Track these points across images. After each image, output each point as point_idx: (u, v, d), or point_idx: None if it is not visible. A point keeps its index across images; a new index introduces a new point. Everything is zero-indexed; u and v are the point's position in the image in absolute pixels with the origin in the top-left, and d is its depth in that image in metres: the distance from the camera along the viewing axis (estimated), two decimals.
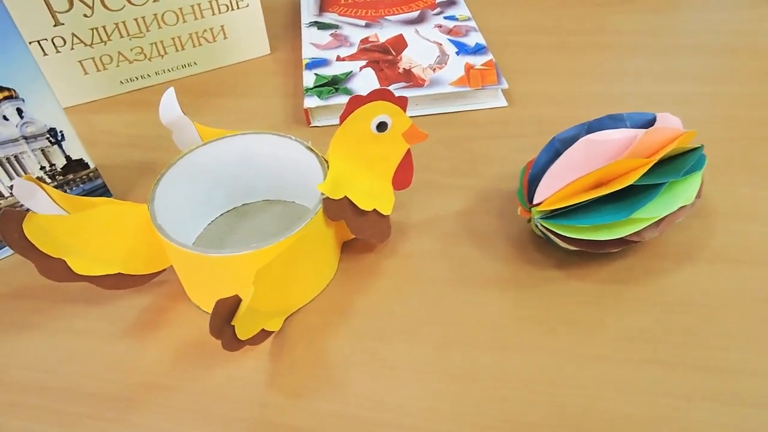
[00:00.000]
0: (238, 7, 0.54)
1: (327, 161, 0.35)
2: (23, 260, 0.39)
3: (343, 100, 0.48)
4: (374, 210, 0.35)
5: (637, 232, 0.33)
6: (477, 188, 0.42)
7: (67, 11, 0.48)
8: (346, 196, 0.33)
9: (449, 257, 0.38)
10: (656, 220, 0.33)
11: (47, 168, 0.38)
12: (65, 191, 0.40)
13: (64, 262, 0.31)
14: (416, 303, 0.35)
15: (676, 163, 0.33)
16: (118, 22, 0.50)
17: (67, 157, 0.39)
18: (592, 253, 0.37)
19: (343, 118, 0.33)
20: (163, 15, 0.51)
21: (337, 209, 0.33)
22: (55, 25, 0.48)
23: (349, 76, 0.50)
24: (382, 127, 0.34)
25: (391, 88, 0.49)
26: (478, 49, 0.53)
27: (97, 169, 0.41)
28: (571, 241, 0.34)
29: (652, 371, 0.31)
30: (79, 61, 0.51)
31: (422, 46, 0.54)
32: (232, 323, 0.28)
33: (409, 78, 0.50)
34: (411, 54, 0.53)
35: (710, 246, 0.37)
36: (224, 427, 0.30)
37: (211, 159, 0.37)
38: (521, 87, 0.52)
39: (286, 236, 0.30)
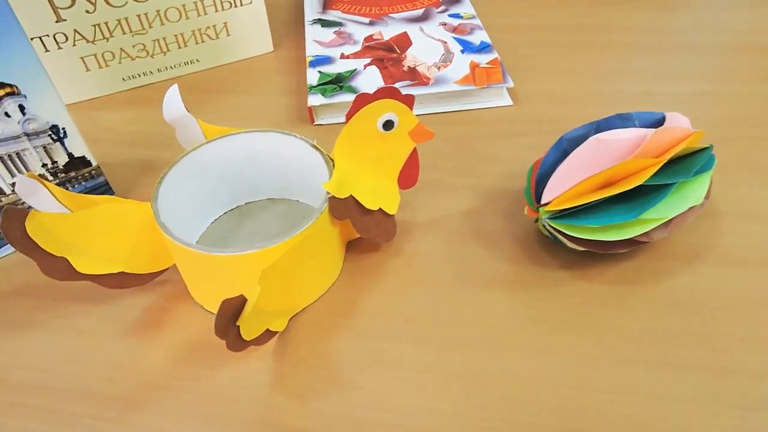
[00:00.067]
0: (241, 4, 0.54)
1: (332, 160, 0.35)
2: (24, 258, 0.39)
3: (347, 98, 0.47)
4: (380, 209, 0.35)
5: (646, 232, 0.33)
6: (482, 187, 0.42)
7: (69, 7, 0.47)
8: (351, 195, 0.33)
9: (455, 257, 0.37)
10: (665, 220, 0.32)
11: (49, 165, 0.38)
12: (67, 189, 0.39)
13: (67, 260, 0.30)
14: (421, 303, 0.35)
15: (685, 163, 0.33)
16: (120, 18, 0.50)
17: (69, 155, 0.38)
18: (599, 253, 0.36)
19: (349, 117, 0.33)
20: (165, 11, 0.51)
21: (343, 208, 0.33)
22: (57, 21, 0.47)
23: (353, 74, 0.50)
24: (388, 125, 0.33)
25: (396, 86, 0.48)
26: (483, 48, 0.52)
27: (99, 167, 0.40)
28: (579, 241, 0.33)
29: (661, 373, 0.30)
30: (81, 58, 0.50)
31: (427, 44, 0.53)
32: (237, 323, 0.28)
33: (414, 76, 0.49)
34: (415, 52, 0.52)
35: (718, 247, 0.37)
36: (228, 428, 0.29)
37: (215, 157, 0.37)
38: (526, 85, 0.52)
39: (292, 235, 0.30)
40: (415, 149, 0.36)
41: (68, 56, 0.50)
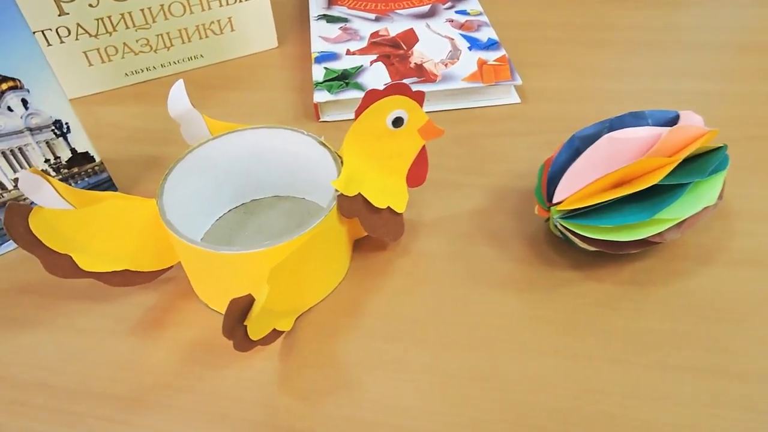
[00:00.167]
0: None
1: (340, 157, 0.34)
2: (26, 255, 0.38)
3: (353, 94, 0.47)
4: (388, 208, 0.34)
5: (659, 233, 0.32)
6: (491, 186, 0.41)
7: (72, 0, 0.46)
8: (360, 193, 0.32)
9: (463, 257, 0.37)
10: (679, 221, 0.32)
11: (52, 161, 0.37)
12: (70, 185, 0.39)
13: (71, 257, 0.30)
14: (429, 303, 0.34)
15: (699, 162, 0.32)
16: (123, 12, 0.49)
17: (73, 150, 0.38)
18: (610, 254, 0.36)
19: (358, 113, 0.32)
20: (169, 6, 0.50)
21: (351, 206, 0.32)
22: (59, 15, 0.47)
23: (359, 70, 0.49)
24: (398, 122, 0.33)
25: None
26: (491, 45, 0.52)
27: (102, 163, 0.40)
28: (591, 241, 0.33)
29: (673, 376, 0.30)
30: (84, 52, 0.50)
31: (434, 41, 0.53)
32: (245, 323, 0.27)
33: (421, 73, 0.49)
34: (422, 49, 0.52)
35: (731, 248, 0.36)
36: (232, 430, 0.29)
37: (221, 153, 0.37)
38: (533, 83, 0.51)
39: (300, 234, 0.30)
40: (424, 147, 0.35)
41: (71, 50, 0.49)
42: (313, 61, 0.51)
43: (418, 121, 0.33)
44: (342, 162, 0.34)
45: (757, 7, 0.60)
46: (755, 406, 0.29)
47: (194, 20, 0.52)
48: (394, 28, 0.55)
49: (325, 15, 0.58)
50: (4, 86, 0.33)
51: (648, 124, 0.34)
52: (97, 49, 0.50)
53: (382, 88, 0.32)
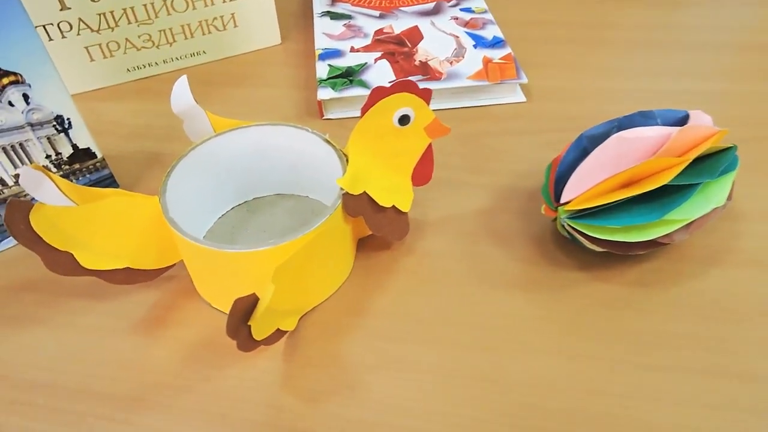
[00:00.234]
0: None
1: (346, 155, 0.34)
2: (26, 252, 0.38)
3: (358, 92, 0.46)
4: (393, 206, 0.34)
5: (667, 234, 0.32)
6: (496, 186, 0.41)
7: None
8: (365, 192, 0.32)
9: (468, 256, 0.36)
10: (688, 222, 0.31)
11: (53, 157, 0.37)
12: (71, 181, 0.38)
13: (72, 255, 0.29)
14: (434, 303, 0.34)
15: (709, 163, 0.32)
16: (126, 7, 0.48)
17: (74, 146, 0.37)
18: (617, 254, 0.35)
19: (364, 110, 0.32)
20: (172, 1, 0.50)
21: (356, 205, 0.32)
22: (61, 10, 0.46)
23: (363, 67, 0.49)
24: (404, 120, 0.32)
25: None
26: (496, 43, 0.51)
27: (104, 159, 0.39)
28: (598, 242, 0.32)
29: (680, 378, 0.30)
30: (86, 48, 0.49)
31: (438, 39, 0.52)
32: (249, 323, 0.27)
33: (426, 71, 0.48)
34: (427, 46, 0.51)
35: (739, 249, 0.36)
36: (235, 430, 0.29)
37: (224, 150, 0.36)
38: (539, 82, 0.51)
39: (305, 232, 0.29)
40: (430, 145, 0.35)
41: (72, 46, 0.49)
42: (316, 58, 0.50)
43: (424, 119, 0.33)
44: (347, 160, 0.33)
45: (759, 6, 0.60)
46: (764, 408, 0.28)
47: (197, 16, 0.52)
48: (398, 25, 0.54)
49: (328, 12, 0.57)
50: (6, 81, 0.32)
51: (657, 124, 0.33)
52: (99, 45, 0.50)
53: (388, 85, 0.32)
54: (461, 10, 0.56)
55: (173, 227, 0.30)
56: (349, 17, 0.56)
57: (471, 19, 0.55)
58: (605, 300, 0.33)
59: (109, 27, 0.49)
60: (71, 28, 0.48)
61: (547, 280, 0.35)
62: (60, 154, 0.37)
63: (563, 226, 0.34)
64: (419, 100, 0.32)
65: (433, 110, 0.48)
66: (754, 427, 0.28)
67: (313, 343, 0.32)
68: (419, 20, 0.55)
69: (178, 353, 0.32)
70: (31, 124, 0.35)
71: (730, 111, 0.46)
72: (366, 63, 0.49)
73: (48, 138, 0.36)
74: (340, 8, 0.58)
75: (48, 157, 0.37)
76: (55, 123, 0.35)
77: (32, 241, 0.28)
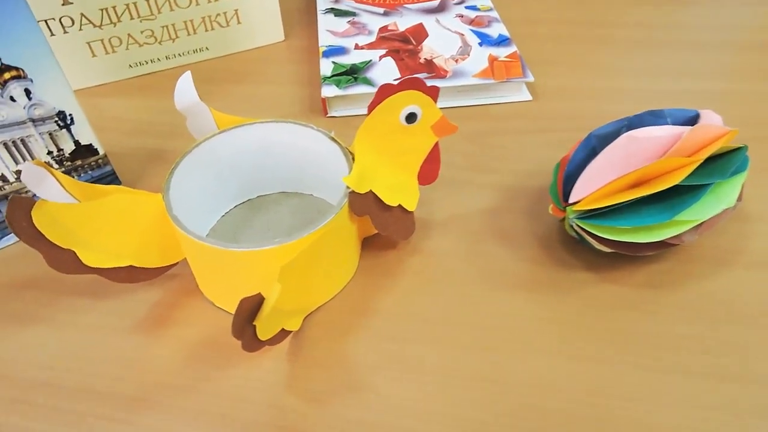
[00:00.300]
0: None
1: (351, 153, 0.33)
2: (27, 248, 0.37)
3: (362, 89, 0.46)
4: (399, 206, 0.33)
5: (677, 235, 0.31)
6: (502, 185, 0.41)
7: None
8: (371, 191, 0.32)
9: (474, 256, 0.36)
10: (698, 223, 0.31)
11: (54, 153, 0.36)
12: (73, 178, 0.38)
13: (74, 253, 0.29)
14: (439, 303, 0.33)
15: (720, 163, 0.32)
16: (128, 2, 0.48)
17: (76, 142, 0.37)
18: (625, 255, 0.35)
19: (371, 108, 0.31)
20: None
21: (362, 204, 0.31)
22: (63, 4, 0.46)
23: (368, 65, 0.48)
24: (411, 118, 0.32)
25: None
26: (502, 41, 0.51)
27: (106, 156, 0.39)
28: (607, 242, 0.32)
29: (688, 381, 0.29)
30: (88, 43, 0.49)
31: (443, 36, 0.52)
32: (254, 323, 0.26)
33: (431, 68, 0.48)
34: (432, 44, 0.51)
35: (748, 250, 0.35)
36: (238, 431, 0.28)
37: (228, 148, 0.36)
38: (544, 80, 0.50)
39: (311, 231, 0.29)
40: (436, 144, 0.34)
41: (74, 41, 0.48)
42: (320, 55, 0.50)
43: (431, 118, 0.33)
44: (353, 158, 0.33)
45: (766, 5, 0.59)
46: None
47: (200, 12, 0.51)
48: (402, 22, 0.54)
49: (332, 9, 0.57)
50: (7, 75, 0.32)
51: (667, 123, 0.33)
52: (101, 40, 0.49)
53: (395, 83, 0.31)
54: (466, 7, 0.56)
55: (177, 225, 0.29)
56: (353, 14, 0.56)
57: (476, 16, 0.55)
58: (612, 301, 0.33)
59: (111, 22, 0.48)
60: (73, 23, 0.47)
61: (554, 281, 0.34)
62: (62, 150, 0.36)
63: (572, 226, 0.33)
64: (427, 97, 0.32)
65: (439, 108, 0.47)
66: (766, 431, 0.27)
67: (318, 344, 0.32)
68: (424, 18, 0.55)
69: (181, 353, 0.32)
70: (33, 120, 0.34)
71: (734, 110, 0.46)
72: (370, 60, 0.49)
73: (50, 134, 0.35)
74: (344, 5, 0.57)
75: (49, 153, 0.36)
76: (57, 119, 0.35)
77: (34, 238, 0.28)
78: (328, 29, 0.53)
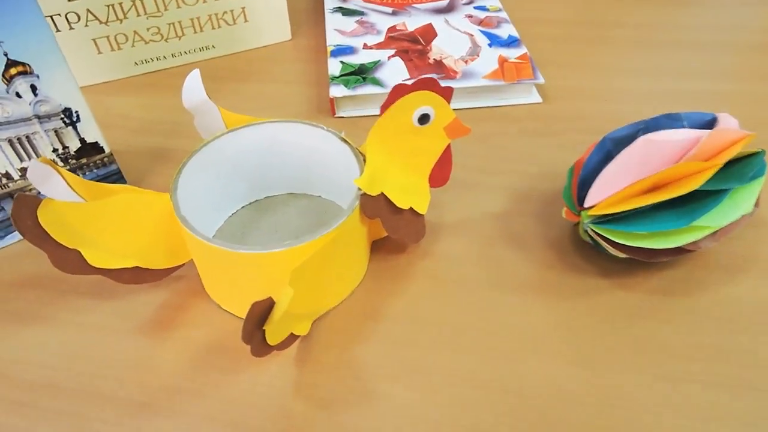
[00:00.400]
0: None
1: (363, 154, 0.33)
2: (30, 247, 0.37)
3: (371, 90, 0.45)
4: (410, 208, 0.33)
5: (694, 241, 0.31)
6: (513, 188, 0.40)
7: None
8: (382, 193, 0.31)
9: (485, 260, 0.35)
10: (716, 229, 0.30)
11: (60, 150, 0.36)
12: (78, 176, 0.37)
13: (79, 253, 0.28)
14: (451, 308, 0.33)
15: (738, 167, 0.31)
16: None
17: (82, 140, 0.36)
18: (639, 261, 0.34)
19: (384, 108, 0.31)
20: None
21: (374, 206, 0.31)
22: (69, 0, 0.45)
23: (377, 65, 0.48)
24: (424, 119, 0.31)
25: None
26: (512, 42, 0.50)
27: (112, 154, 0.38)
28: (623, 248, 0.31)
29: (705, 391, 0.29)
30: (93, 40, 0.48)
31: (453, 37, 0.51)
32: (264, 327, 0.26)
33: (441, 69, 0.47)
34: (441, 44, 0.50)
35: (764, 257, 0.35)
36: None
37: (237, 147, 0.35)
38: (554, 82, 0.50)
39: (323, 234, 0.28)
40: (449, 146, 0.34)
41: (80, 37, 0.47)
42: (328, 54, 0.49)
43: (444, 119, 0.32)
44: (364, 159, 0.32)
45: None
46: None
47: (207, 9, 0.51)
48: (411, 22, 0.53)
49: (340, 8, 0.56)
50: (14, 71, 0.31)
51: (684, 126, 0.32)
52: (107, 37, 0.49)
53: (407, 83, 0.30)
54: (475, 8, 0.55)
55: (185, 226, 0.29)
56: (361, 14, 0.55)
57: (486, 17, 0.54)
58: (626, 308, 0.32)
59: (117, 19, 0.48)
60: (79, 19, 0.46)
61: (567, 287, 0.34)
62: (67, 147, 0.36)
63: (586, 231, 0.33)
64: (440, 98, 0.31)
65: None
66: None
67: (326, 349, 0.31)
68: (433, 18, 0.54)
69: (186, 356, 0.31)
70: (39, 117, 0.33)
71: (747, 112, 0.45)
72: (379, 60, 0.48)
73: (55, 131, 0.35)
74: (352, 4, 0.57)
75: (55, 150, 0.35)
76: (62, 116, 0.34)
77: (39, 237, 0.27)
78: (336, 28, 0.53)
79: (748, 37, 0.55)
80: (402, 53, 0.49)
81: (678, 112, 0.33)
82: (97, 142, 0.37)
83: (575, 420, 0.28)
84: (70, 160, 0.36)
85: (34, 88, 0.32)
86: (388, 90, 0.45)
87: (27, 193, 0.32)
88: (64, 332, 0.32)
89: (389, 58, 0.49)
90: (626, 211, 0.31)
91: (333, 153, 0.35)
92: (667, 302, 0.33)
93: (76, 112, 0.35)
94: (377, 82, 0.46)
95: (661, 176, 0.30)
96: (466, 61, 0.48)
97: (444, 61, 0.48)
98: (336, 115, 0.46)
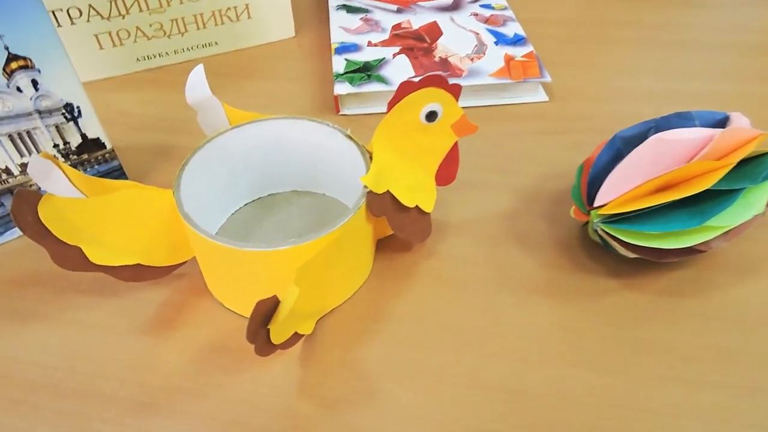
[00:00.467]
0: None
1: (369, 152, 0.32)
2: (29, 243, 0.36)
3: (375, 87, 0.45)
4: (416, 207, 0.32)
5: (705, 241, 0.30)
6: (519, 187, 0.39)
7: None
8: (388, 191, 0.30)
9: (491, 260, 0.35)
10: (728, 229, 0.30)
11: (61, 146, 0.35)
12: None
13: (80, 250, 0.28)
14: (456, 309, 0.32)
15: (750, 167, 0.30)
16: None
17: (83, 136, 0.36)
18: (649, 261, 0.34)
19: (391, 105, 0.30)
20: None
21: (380, 204, 0.30)
22: None
23: (381, 62, 0.47)
24: (431, 116, 0.31)
25: None
26: (518, 40, 0.50)
27: (113, 150, 0.38)
28: (633, 248, 0.31)
29: (715, 394, 0.28)
30: (95, 35, 0.48)
31: (458, 35, 0.51)
32: (268, 326, 0.25)
33: (446, 67, 0.47)
34: (447, 42, 0.50)
35: None
36: None
37: (241, 144, 0.35)
38: (560, 81, 0.49)
39: (329, 231, 0.28)
40: (456, 144, 0.33)
41: (82, 32, 0.47)
42: (333, 51, 0.49)
43: (452, 116, 0.32)
44: (371, 157, 0.32)
45: None
46: None
47: (210, 6, 0.50)
48: (416, 20, 0.53)
49: (345, 5, 0.56)
50: (14, 65, 0.31)
51: (695, 125, 0.32)
52: (109, 32, 0.48)
53: (415, 80, 0.30)
54: (481, 6, 0.55)
55: (188, 223, 0.28)
56: (366, 11, 0.55)
57: (491, 15, 0.53)
58: (635, 309, 0.32)
59: (119, 14, 0.47)
60: (81, 14, 0.46)
61: (574, 287, 0.33)
62: (68, 143, 0.35)
63: (596, 230, 0.32)
64: (448, 95, 0.31)
65: None
66: None
67: (330, 348, 0.31)
68: (438, 15, 0.54)
69: (188, 355, 0.31)
70: (40, 112, 0.33)
71: (753, 112, 0.45)
72: (384, 58, 0.48)
73: (56, 126, 0.34)
74: (356, 2, 0.56)
75: (56, 146, 0.35)
76: (64, 111, 0.34)
77: (40, 234, 0.27)
78: (341, 26, 0.52)
79: (756, 39, 0.54)
80: (407, 51, 0.49)
81: (689, 111, 0.32)
82: (98, 138, 0.36)
83: (582, 422, 0.27)
84: (71, 156, 0.36)
85: (35, 83, 0.32)
86: (393, 88, 0.44)
87: (27, 188, 0.31)
88: (65, 331, 0.32)
89: (394, 55, 0.48)
90: (637, 211, 0.30)
91: (338, 150, 0.34)
92: (675, 303, 0.32)
93: (78, 107, 0.34)
94: (382, 80, 0.45)
95: (672, 175, 0.29)
96: (472, 59, 0.48)
97: (450, 59, 0.48)
98: (340, 113, 0.46)
